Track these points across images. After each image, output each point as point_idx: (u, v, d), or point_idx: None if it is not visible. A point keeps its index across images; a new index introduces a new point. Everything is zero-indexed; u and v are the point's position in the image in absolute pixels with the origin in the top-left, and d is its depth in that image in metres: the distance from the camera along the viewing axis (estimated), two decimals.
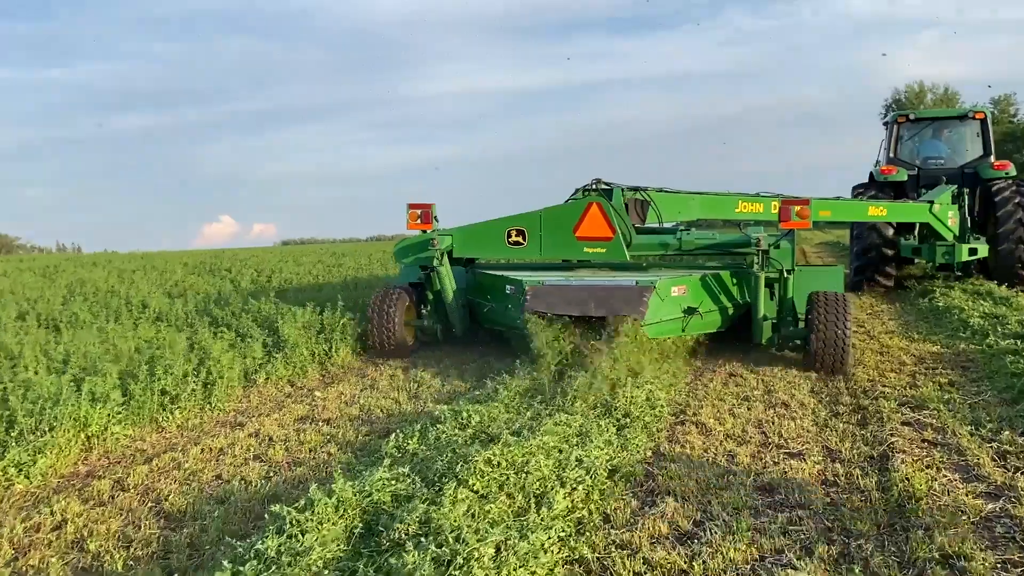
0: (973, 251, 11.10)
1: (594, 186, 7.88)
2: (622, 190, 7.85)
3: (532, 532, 3.10)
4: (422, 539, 2.97)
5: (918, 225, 11.70)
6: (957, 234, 10.98)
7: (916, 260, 12.11)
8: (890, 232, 11.67)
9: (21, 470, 4.33)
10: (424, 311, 8.09)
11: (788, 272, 7.15)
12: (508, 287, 7.48)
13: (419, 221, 7.89)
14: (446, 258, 7.70)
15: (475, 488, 3.53)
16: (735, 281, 7.47)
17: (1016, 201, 11.28)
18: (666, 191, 8.16)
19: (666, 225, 8.42)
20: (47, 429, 4.68)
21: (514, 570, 2.84)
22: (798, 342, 7.17)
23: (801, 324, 7.14)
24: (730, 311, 7.46)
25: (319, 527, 3.13)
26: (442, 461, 3.92)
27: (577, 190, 8.00)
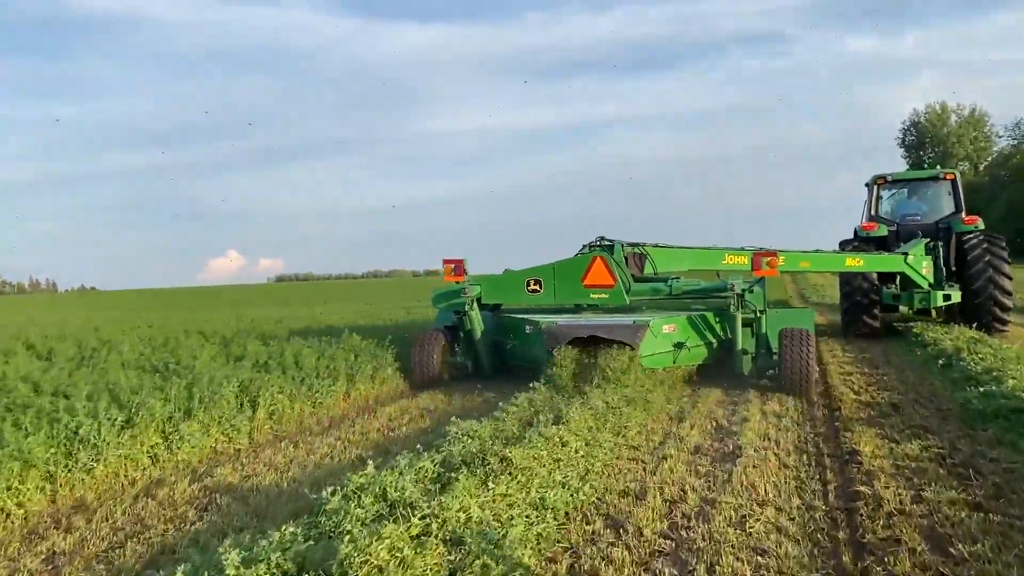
0: (947, 297, 12.37)
1: (598, 243, 9.45)
2: (622, 245, 9.40)
3: None
4: None
5: (899, 275, 12.99)
6: (932, 282, 12.30)
7: (899, 307, 13.38)
8: (866, 284, 12.86)
9: None
10: (457, 349, 9.59)
11: (761, 312, 8.56)
12: (527, 327, 8.98)
13: (453, 273, 9.46)
14: (476, 304, 9.25)
15: None
16: (718, 320, 8.89)
17: (986, 260, 12.39)
18: (660, 246, 9.70)
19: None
20: None
21: None
22: (773, 371, 8.50)
23: (775, 356, 8.48)
24: (714, 345, 8.87)
25: None
26: None
27: (584, 246, 9.56)
